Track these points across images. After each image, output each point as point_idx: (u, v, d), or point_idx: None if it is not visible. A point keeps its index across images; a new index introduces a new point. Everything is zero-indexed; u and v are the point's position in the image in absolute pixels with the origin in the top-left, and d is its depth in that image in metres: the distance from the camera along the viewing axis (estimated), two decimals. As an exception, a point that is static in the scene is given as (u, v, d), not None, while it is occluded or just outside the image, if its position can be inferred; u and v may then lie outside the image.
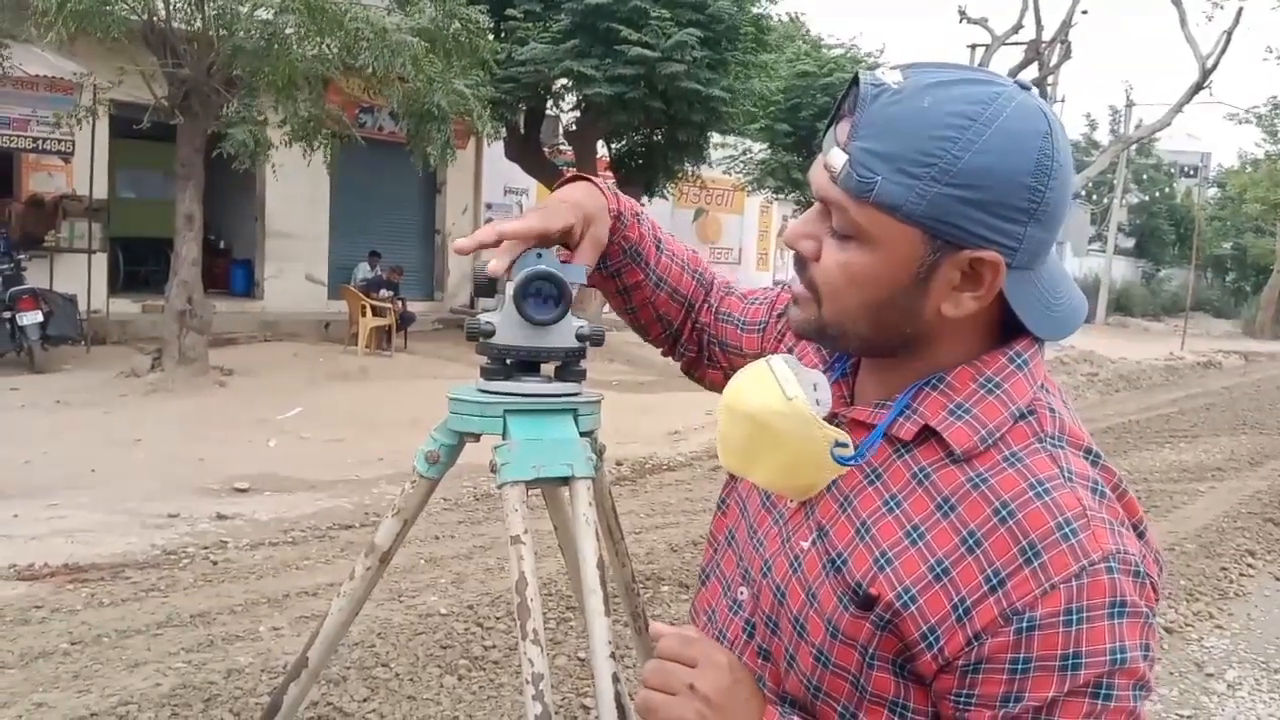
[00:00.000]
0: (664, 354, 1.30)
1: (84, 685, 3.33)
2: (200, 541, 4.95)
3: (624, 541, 1.44)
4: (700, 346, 1.25)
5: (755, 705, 0.89)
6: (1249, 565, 5.65)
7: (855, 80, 0.83)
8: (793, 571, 0.91)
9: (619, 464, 7.07)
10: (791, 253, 0.91)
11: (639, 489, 6.68)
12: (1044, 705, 0.76)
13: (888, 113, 0.79)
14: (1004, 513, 0.79)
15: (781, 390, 0.87)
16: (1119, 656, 0.76)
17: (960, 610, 0.79)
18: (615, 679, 1.13)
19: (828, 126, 0.86)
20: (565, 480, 1.21)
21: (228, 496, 5.89)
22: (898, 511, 0.85)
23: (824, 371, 0.96)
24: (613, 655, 1.14)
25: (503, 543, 1.29)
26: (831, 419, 0.89)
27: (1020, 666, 0.76)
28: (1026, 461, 0.82)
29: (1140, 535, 0.83)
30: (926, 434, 0.86)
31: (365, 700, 3.32)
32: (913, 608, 0.81)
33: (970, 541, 0.80)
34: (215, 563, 4.66)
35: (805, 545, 0.91)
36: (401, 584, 4.40)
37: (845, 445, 0.86)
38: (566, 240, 1.11)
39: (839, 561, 0.87)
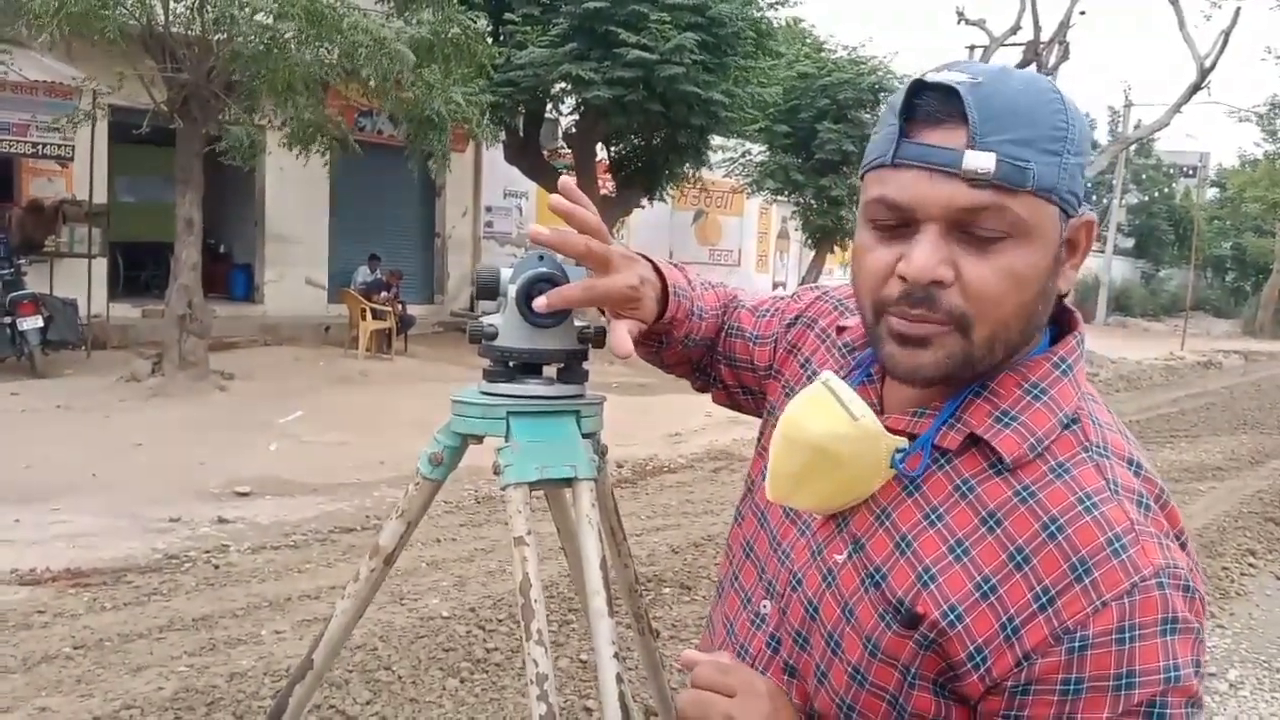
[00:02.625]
0: (697, 389, 1.24)
1: (86, 689, 3.33)
2: (202, 545, 4.95)
3: (626, 543, 1.44)
4: (704, 368, 1.19)
5: None
6: (1250, 564, 5.65)
7: (916, 91, 0.79)
8: (826, 586, 0.88)
9: (619, 466, 7.07)
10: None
11: (639, 491, 6.68)
12: None
13: (996, 104, 0.77)
14: (1053, 528, 0.77)
15: (847, 411, 0.84)
16: (1173, 675, 0.74)
17: (1009, 630, 0.76)
18: (619, 679, 1.14)
19: (896, 143, 0.80)
20: (568, 482, 1.21)
21: (229, 500, 5.89)
22: (940, 525, 0.82)
23: (844, 377, 0.92)
24: (616, 656, 1.15)
25: (504, 545, 1.29)
26: None
27: (1072, 688, 0.74)
28: (1074, 473, 0.79)
29: (1182, 546, 0.80)
30: (968, 444, 0.83)
31: (368, 703, 3.32)
32: (959, 627, 0.78)
33: (1019, 558, 0.77)
34: (217, 566, 4.66)
35: (840, 559, 0.87)
36: (403, 587, 4.40)
37: (904, 451, 0.84)
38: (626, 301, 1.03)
39: (878, 576, 0.83)
